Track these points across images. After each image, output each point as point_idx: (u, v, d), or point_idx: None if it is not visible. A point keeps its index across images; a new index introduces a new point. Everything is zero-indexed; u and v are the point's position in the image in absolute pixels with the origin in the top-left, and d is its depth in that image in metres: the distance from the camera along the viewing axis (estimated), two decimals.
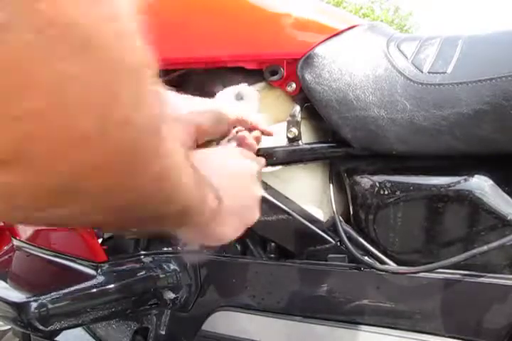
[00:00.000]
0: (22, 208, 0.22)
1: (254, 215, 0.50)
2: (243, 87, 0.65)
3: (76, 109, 0.19)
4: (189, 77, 0.69)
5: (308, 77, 0.62)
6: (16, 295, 0.67)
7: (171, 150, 0.27)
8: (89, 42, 0.18)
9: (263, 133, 0.59)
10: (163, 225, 0.36)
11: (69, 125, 0.19)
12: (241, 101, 0.65)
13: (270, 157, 0.65)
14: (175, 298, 0.72)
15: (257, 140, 0.59)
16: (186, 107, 0.54)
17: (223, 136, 0.59)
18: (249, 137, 0.57)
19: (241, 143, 0.57)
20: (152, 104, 0.23)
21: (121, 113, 0.21)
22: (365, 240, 0.63)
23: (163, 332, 0.76)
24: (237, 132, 0.58)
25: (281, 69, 0.64)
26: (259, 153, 0.65)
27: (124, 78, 0.20)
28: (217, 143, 0.58)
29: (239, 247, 0.73)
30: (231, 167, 0.49)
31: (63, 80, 0.18)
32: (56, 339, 0.72)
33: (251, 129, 0.59)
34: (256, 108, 0.64)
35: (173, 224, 0.37)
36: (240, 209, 0.47)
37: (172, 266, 0.72)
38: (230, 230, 0.46)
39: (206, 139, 0.56)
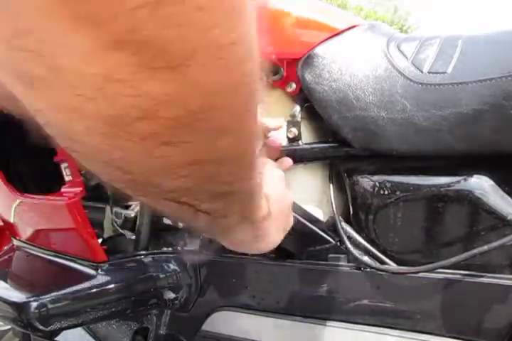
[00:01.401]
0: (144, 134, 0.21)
1: (291, 220, 0.51)
2: None
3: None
4: None
5: (308, 77, 0.62)
6: (16, 295, 0.67)
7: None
8: None
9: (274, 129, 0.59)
10: (231, 205, 0.33)
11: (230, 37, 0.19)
12: None
13: None
14: (175, 298, 0.72)
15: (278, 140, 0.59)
16: None
17: None
18: (276, 139, 0.58)
19: (269, 146, 0.57)
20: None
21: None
22: (365, 240, 0.63)
23: (163, 332, 0.76)
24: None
25: (281, 69, 0.64)
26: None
27: None
28: None
29: None
30: (268, 173, 0.47)
31: None
32: (56, 339, 0.72)
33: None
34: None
35: (241, 210, 0.36)
36: (281, 215, 0.47)
37: (172, 266, 0.72)
38: (277, 235, 0.46)
39: None
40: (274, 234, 0.45)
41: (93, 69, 0.18)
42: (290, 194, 0.51)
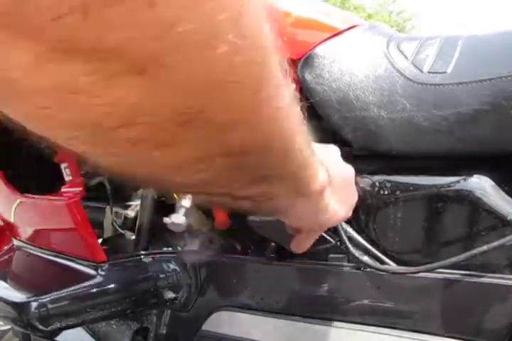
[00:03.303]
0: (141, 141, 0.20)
1: (355, 194, 0.50)
2: None
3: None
4: None
5: (308, 77, 0.62)
6: (16, 295, 0.67)
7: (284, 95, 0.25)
8: None
9: None
10: (273, 188, 0.31)
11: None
12: None
13: None
14: (175, 298, 0.72)
15: None
16: None
17: None
18: None
19: None
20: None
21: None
22: (365, 240, 0.63)
23: (163, 332, 0.76)
24: None
25: None
26: None
27: None
28: None
29: (239, 247, 0.73)
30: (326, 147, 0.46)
31: None
32: (56, 339, 0.72)
33: None
34: None
35: (287, 189, 0.33)
36: (342, 185, 0.45)
37: (172, 266, 0.72)
38: (342, 208, 0.44)
39: None
40: (338, 205, 0.43)
41: (47, 82, 0.17)
42: (349, 166, 0.48)
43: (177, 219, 0.67)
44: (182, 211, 0.68)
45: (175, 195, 0.69)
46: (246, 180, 0.28)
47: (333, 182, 0.40)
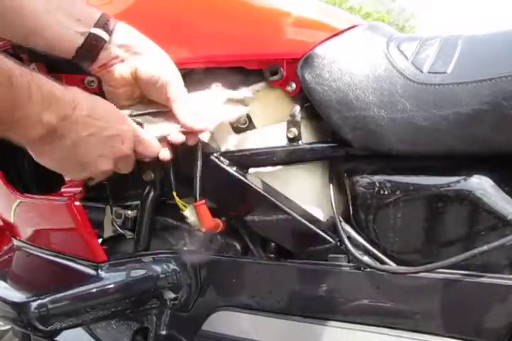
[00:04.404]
0: None
1: (81, 174, 0.57)
2: (234, 95, 0.65)
3: None
4: (189, 77, 0.69)
5: (308, 77, 0.62)
6: (16, 295, 0.67)
7: None
8: None
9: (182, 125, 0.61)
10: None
11: None
12: (224, 105, 0.65)
13: (270, 157, 0.65)
14: (175, 298, 0.72)
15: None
16: (140, 49, 0.60)
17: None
18: (177, 138, 0.61)
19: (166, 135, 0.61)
20: None
21: None
22: (365, 240, 0.63)
23: (163, 332, 0.76)
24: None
25: (281, 69, 0.64)
26: (259, 153, 0.65)
27: None
28: (149, 114, 0.62)
29: (239, 247, 0.73)
30: (106, 128, 0.53)
31: None
32: (56, 339, 0.73)
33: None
34: (232, 116, 0.65)
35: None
36: (73, 160, 0.53)
37: (172, 266, 0.72)
38: (51, 163, 0.54)
39: (145, 97, 0.63)
40: (52, 158, 0.53)
41: None
42: (124, 146, 0.56)
43: None
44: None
45: (175, 195, 0.69)
46: None
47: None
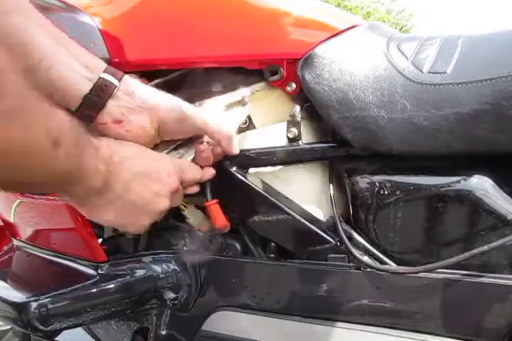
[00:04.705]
0: None
1: (141, 222, 0.55)
2: (231, 99, 0.65)
3: None
4: (189, 77, 0.69)
5: (308, 77, 0.62)
6: (16, 295, 0.67)
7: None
8: None
9: (224, 148, 0.62)
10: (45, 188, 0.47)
11: None
12: (227, 113, 0.65)
13: (270, 157, 0.65)
14: (175, 298, 0.72)
15: (214, 154, 0.62)
16: (152, 99, 0.56)
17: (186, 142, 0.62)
18: (207, 151, 0.61)
19: (197, 153, 0.60)
20: None
21: None
22: (365, 240, 0.63)
23: (163, 332, 0.76)
24: (202, 143, 0.61)
25: (281, 69, 0.64)
26: (259, 153, 0.65)
27: None
28: (175, 148, 0.61)
29: (239, 247, 0.73)
30: (145, 165, 0.53)
31: None
32: (56, 339, 0.72)
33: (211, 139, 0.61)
34: (238, 122, 0.65)
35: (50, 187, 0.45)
36: (131, 207, 0.52)
37: (172, 266, 0.72)
38: (110, 216, 0.52)
39: (166, 139, 0.60)
40: (108, 214, 0.52)
41: None
42: (160, 202, 0.55)
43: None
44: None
45: None
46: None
47: (118, 193, 0.50)
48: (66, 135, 0.40)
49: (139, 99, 0.54)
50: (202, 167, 0.61)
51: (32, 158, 0.38)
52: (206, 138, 0.62)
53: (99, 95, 0.52)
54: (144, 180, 0.52)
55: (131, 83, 0.55)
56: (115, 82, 0.53)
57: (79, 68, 0.51)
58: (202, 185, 0.64)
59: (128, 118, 0.54)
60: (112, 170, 0.49)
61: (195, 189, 0.62)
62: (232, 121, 0.65)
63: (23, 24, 0.47)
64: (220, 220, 0.64)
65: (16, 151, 0.36)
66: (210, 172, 0.62)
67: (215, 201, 0.64)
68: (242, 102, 0.66)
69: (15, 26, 0.46)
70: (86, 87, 0.51)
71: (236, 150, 0.63)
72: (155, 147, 0.59)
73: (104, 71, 0.52)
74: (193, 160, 0.61)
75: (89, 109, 0.52)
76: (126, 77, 0.55)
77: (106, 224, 0.55)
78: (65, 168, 0.42)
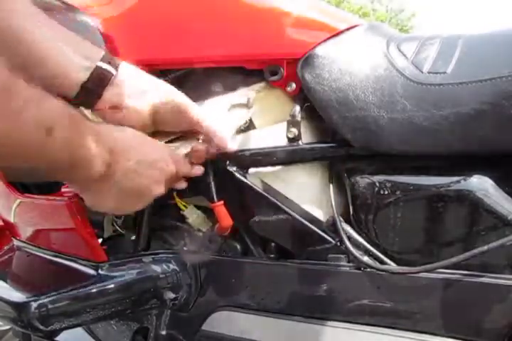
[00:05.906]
0: None
1: (135, 206, 0.57)
2: (237, 99, 0.65)
3: None
4: (189, 77, 0.69)
5: (308, 77, 0.62)
6: (16, 295, 0.67)
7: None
8: None
9: (218, 146, 0.62)
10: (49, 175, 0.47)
11: None
12: (229, 112, 0.65)
13: (270, 157, 0.65)
14: (175, 298, 0.72)
15: (207, 152, 0.63)
16: (149, 86, 0.58)
17: (182, 136, 0.63)
18: (202, 151, 0.62)
19: (192, 151, 0.62)
20: None
21: None
22: (365, 240, 0.63)
23: (163, 332, 0.77)
24: (198, 139, 0.62)
25: (281, 69, 0.64)
26: (259, 153, 0.65)
27: None
28: (171, 141, 0.62)
29: (239, 247, 0.73)
30: (146, 153, 0.54)
31: None
32: (56, 339, 0.72)
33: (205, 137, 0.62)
34: (239, 123, 0.65)
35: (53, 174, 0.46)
36: (129, 193, 0.54)
37: (172, 266, 0.72)
38: (110, 202, 0.53)
39: (161, 129, 0.61)
40: (109, 200, 0.53)
41: None
42: (158, 185, 0.56)
43: None
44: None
45: (175, 196, 0.69)
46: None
47: (120, 179, 0.51)
48: (60, 122, 0.41)
49: (136, 86, 0.56)
50: (192, 163, 0.62)
51: (25, 147, 0.39)
52: (202, 136, 0.62)
53: (97, 83, 0.53)
54: (145, 168, 0.53)
55: (129, 70, 0.57)
56: (112, 70, 0.54)
57: (76, 56, 0.52)
58: (206, 186, 0.64)
59: (125, 104, 0.55)
60: (113, 156, 0.49)
61: (183, 184, 0.63)
62: (232, 121, 0.65)
63: (15, 13, 0.48)
64: (227, 221, 0.65)
65: (9, 141, 0.37)
66: (198, 170, 0.63)
67: (221, 202, 0.64)
68: (247, 105, 0.66)
69: (6, 15, 0.48)
70: (83, 75, 0.52)
71: (231, 147, 0.64)
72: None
73: (101, 59, 0.54)
74: (186, 155, 0.61)
75: (87, 96, 0.53)
76: (124, 63, 0.56)
77: (103, 210, 0.56)
78: (64, 154, 0.43)
